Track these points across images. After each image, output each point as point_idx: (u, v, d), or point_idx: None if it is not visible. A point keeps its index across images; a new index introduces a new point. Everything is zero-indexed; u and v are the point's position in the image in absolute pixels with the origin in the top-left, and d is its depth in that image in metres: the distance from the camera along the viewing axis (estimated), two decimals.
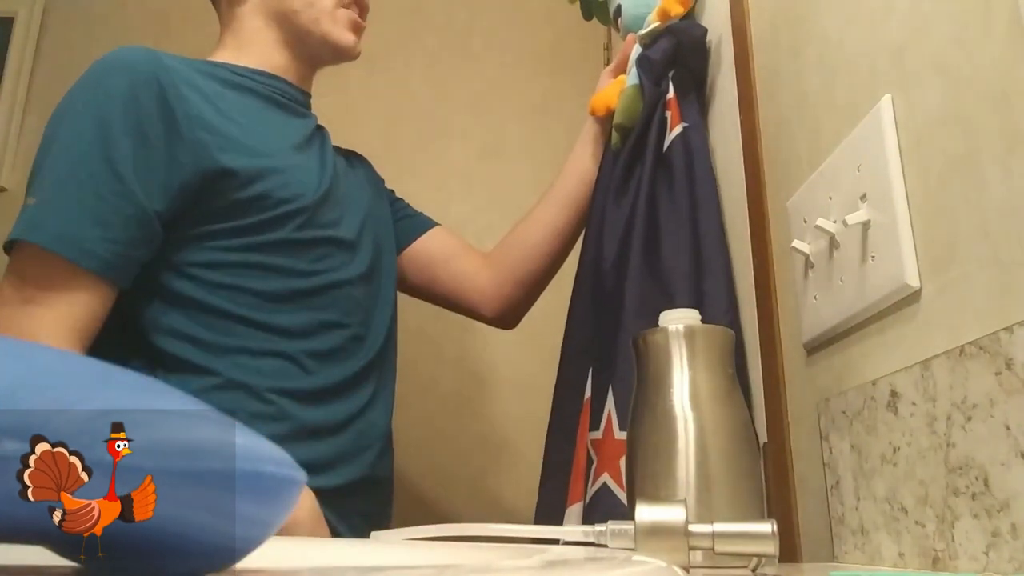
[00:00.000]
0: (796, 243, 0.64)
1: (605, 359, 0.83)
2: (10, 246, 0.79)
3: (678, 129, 0.86)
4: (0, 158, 1.58)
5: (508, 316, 1.11)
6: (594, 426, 0.81)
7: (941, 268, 0.47)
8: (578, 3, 1.10)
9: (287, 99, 0.98)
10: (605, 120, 1.02)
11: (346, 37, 0.99)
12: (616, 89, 0.97)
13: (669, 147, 0.86)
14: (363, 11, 1.02)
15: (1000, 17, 0.42)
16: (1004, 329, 0.40)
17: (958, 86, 0.46)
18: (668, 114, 0.88)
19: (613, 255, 0.87)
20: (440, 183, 1.58)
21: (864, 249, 0.55)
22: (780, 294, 0.72)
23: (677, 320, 0.61)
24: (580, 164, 1.06)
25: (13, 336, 0.74)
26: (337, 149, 1.07)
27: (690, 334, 0.60)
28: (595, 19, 1.13)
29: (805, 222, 0.64)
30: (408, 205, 1.16)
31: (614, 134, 0.95)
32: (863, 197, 0.55)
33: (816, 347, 0.65)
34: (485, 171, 1.60)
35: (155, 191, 0.80)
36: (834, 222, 0.59)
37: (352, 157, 1.12)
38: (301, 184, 0.90)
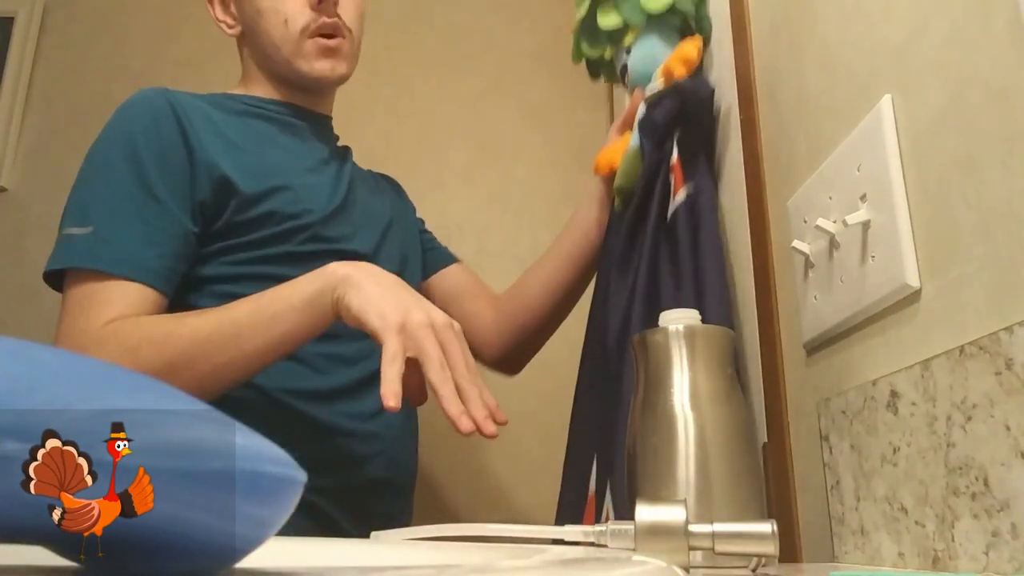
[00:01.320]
0: (796, 243, 0.64)
1: (606, 450, 0.79)
2: (57, 275, 0.83)
3: (681, 196, 0.80)
4: (0, 158, 1.58)
5: (506, 363, 1.11)
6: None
7: (941, 268, 0.47)
8: (584, 62, 1.03)
9: (302, 121, 1.01)
10: (610, 179, 0.97)
11: (317, 68, 0.97)
12: (620, 147, 0.94)
13: (673, 216, 0.80)
14: (336, 30, 0.98)
15: (1000, 17, 0.42)
16: (1004, 329, 0.40)
17: (958, 86, 0.46)
18: (672, 179, 0.82)
19: (616, 332, 0.82)
20: (440, 183, 1.58)
21: (864, 249, 0.55)
22: (780, 294, 0.72)
23: (677, 320, 0.61)
24: (583, 223, 1.05)
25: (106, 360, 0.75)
26: (366, 171, 1.10)
27: (690, 334, 0.60)
28: (602, 77, 1.05)
29: (805, 222, 0.64)
30: (434, 238, 1.18)
31: (616, 197, 0.92)
32: (863, 197, 0.55)
33: (816, 347, 0.65)
34: (485, 171, 1.60)
35: (187, 210, 0.85)
36: (834, 222, 0.59)
37: (381, 179, 1.15)
38: (309, 201, 0.92)
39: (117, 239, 0.82)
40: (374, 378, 0.91)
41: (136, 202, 0.83)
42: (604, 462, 0.80)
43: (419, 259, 1.10)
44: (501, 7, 1.70)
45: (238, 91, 1.02)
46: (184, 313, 0.82)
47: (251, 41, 1.01)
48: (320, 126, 1.04)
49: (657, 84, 0.86)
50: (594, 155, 1.03)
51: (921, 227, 0.50)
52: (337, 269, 0.77)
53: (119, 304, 0.80)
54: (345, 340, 0.90)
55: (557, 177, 1.58)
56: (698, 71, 0.86)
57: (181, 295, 0.87)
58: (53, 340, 0.81)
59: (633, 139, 0.90)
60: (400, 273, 1.00)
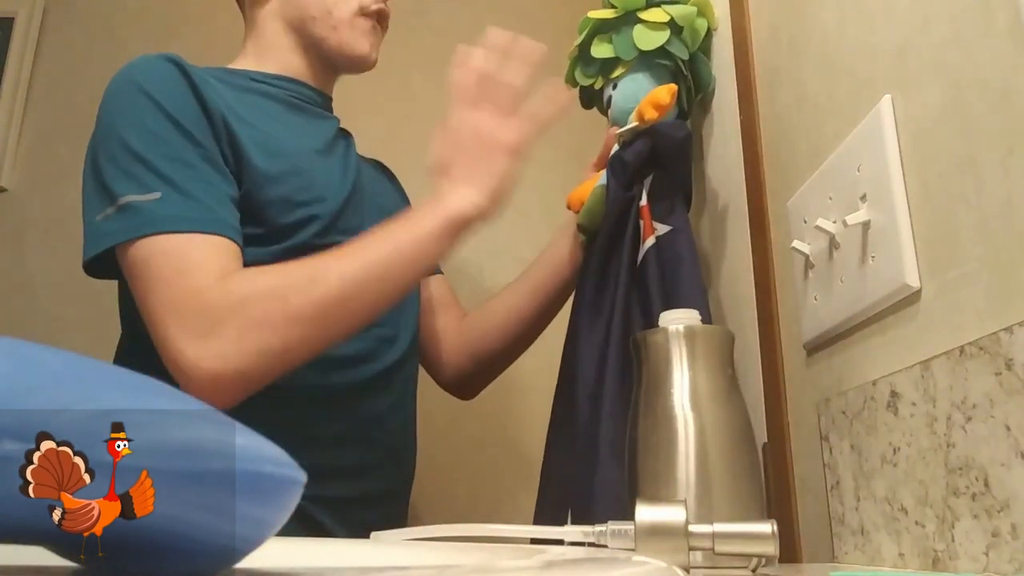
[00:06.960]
0: (796, 243, 0.64)
1: (581, 500, 0.75)
2: (99, 262, 0.78)
3: (650, 241, 0.79)
4: (0, 158, 1.58)
5: (457, 387, 1.09)
6: None
7: (941, 268, 0.47)
8: (579, 91, 1.00)
9: (308, 103, 0.97)
10: None
11: (362, 46, 0.96)
12: (592, 185, 0.91)
13: (642, 261, 0.79)
14: (383, 20, 0.99)
15: (1000, 17, 0.42)
16: (1004, 329, 0.40)
17: (958, 86, 0.46)
18: (641, 223, 0.81)
19: (590, 383, 0.79)
20: None
21: (864, 249, 0.55)
22: (780, 294, 0.72)
23: (677, 320, 0.61)
24: (554, 255, 1.03)
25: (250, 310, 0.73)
26: (363, 158, 1.07)
27: (690, 334, 0.60)
28: (595, 108, 1.01)
29: (805, 222, 0.64)
30: None
31: (580, 235, 0.90)
32: (863, 197, 0.55)
33: (816, 347, 0.65)
34: None
35: (228, 174, 0.82)
36: (834, 222, 0.59)
37: (379, 166, 1.12)
38: (323, 187, 0.89)
39: (194, 198, 0.77)
40: (381, 379, 0.89)
41: (193, 162, 0.79)
42: (579, 515, 0.75)
43: None
44: (501, 7, 1.70)
45: (244, 65, 0.97)
46: (307, 260, 0.78)
47: (289, 4, 0.96)
48: (324, 106, 1.01)
49: (630, 124, 0.84)
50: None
51: (921, 227, 0.50)
52: (446, 212, 0.82)
53: (216, 261, 0.75)
54: (357, 337, 0.85)
55: (557, 177, 1.57)
56: (678, 115, 0.83)
57: None
58: (147, 314, 0.75)
59: (602, 177, 0.88)
60: None
